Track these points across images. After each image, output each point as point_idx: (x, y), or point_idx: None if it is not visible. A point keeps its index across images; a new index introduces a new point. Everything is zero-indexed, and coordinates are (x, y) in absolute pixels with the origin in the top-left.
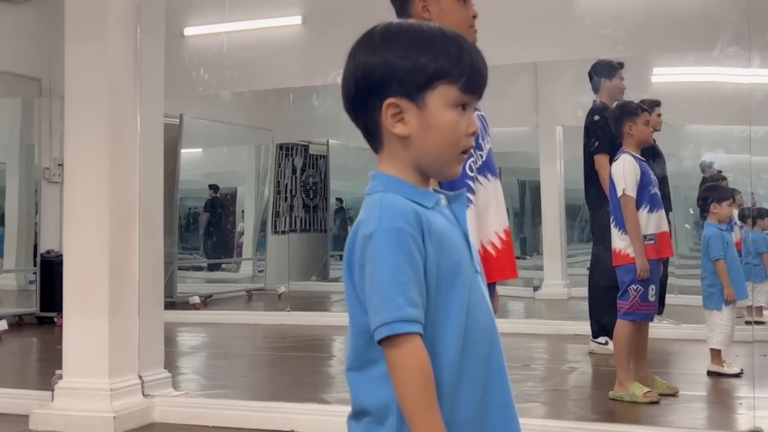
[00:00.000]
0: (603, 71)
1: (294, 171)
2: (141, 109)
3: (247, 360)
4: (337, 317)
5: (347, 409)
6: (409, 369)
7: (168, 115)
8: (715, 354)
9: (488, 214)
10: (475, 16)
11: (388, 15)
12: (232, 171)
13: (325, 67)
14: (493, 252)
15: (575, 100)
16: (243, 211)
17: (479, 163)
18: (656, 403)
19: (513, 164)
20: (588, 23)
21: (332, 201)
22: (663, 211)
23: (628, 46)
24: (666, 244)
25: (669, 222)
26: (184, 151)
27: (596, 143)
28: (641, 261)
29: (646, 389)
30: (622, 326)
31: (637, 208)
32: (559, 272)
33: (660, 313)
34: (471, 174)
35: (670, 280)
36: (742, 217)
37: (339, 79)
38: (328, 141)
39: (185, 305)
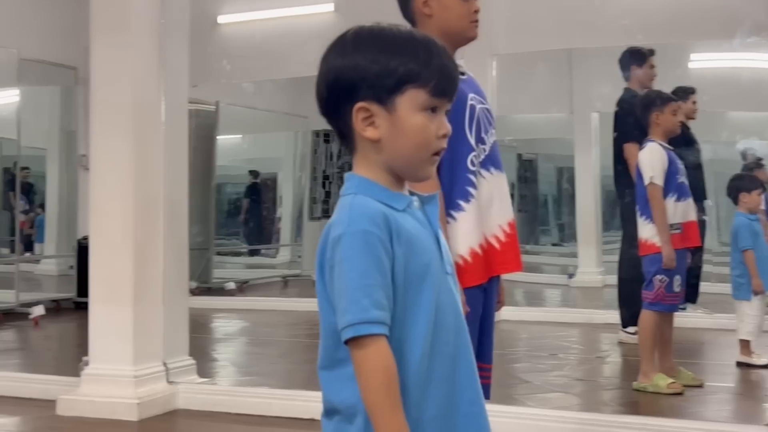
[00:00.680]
0: (633, 59)
1: (330, 157)
2: (165, 99)
3: (276, 347)
4: None
5: None
6: (373, 370)
7: (204, 102)
8: (744, 345)
9: (492, 208)
10: (476, 11)
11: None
12: (272, 157)
13: None
14: (497, 245)
15: (611, 86)
16: (281, 197)
17: (482, 157)
18: (680, 394)
19: (550, 151)
20: (623, 8)
21: None
22: (691, 200)
23: (664, 31)
24: (693, 233)
25: (704, 210)
26: (224, 138)
27: (625, 132)
28: (667, 250)
29: (670, 380)
30: (646, 317)
31: (664, 196)
32: (594, 259)
33: (693, 301)
34: (473, 168)
35: (707, 268)
36: None
37: None
38: None
39: (221, 291)
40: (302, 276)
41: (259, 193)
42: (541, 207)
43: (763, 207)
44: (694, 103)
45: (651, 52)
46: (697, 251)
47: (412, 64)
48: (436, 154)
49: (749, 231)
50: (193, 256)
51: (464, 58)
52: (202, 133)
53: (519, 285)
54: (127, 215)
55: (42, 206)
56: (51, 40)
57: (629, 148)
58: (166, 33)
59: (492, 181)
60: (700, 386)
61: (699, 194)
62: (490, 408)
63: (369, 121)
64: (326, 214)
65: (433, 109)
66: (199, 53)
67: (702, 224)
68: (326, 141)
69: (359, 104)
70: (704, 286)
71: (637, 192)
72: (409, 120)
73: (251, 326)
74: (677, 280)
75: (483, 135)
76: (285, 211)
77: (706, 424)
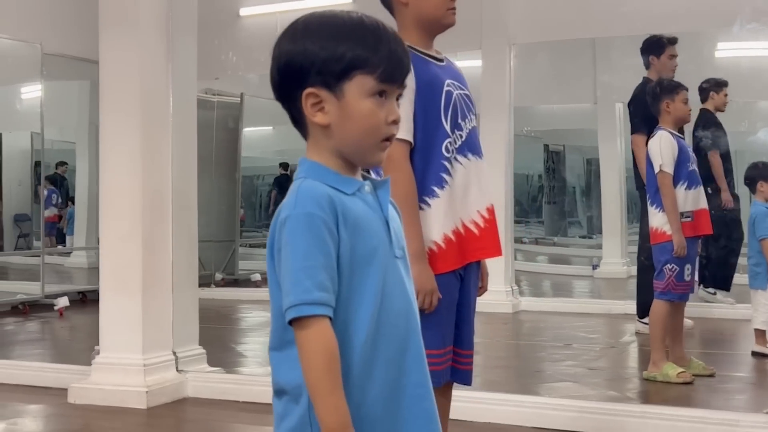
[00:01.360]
0: (651, 48)
1: None
2: (173, 91)
3: None
4: None
5: None
6: (314, 351)
7: (228, 94)
8: (759, 334)
9: (469, 194)
10: None
11: None
12: (302, 148)
13: None
14: (475, 231)
15: (635, 76)
16: None
17: (458, 143)
18: (690, 383)
19: (577, 142)
20: None
21: None
22: (701, 189)
23: (690, 20)
24: (704, 221)
25: (738, 198)
26: (253, 129)
27: (633, 123)
28: (678, 238)
29: (680, 369)
30: (657, 306)
31: (675, 185)
32: (619, 250)
33: (727, 289)
34: (447, 155)
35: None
36: None
37: None
38: None
39: (247, 282)
40: None
41: (288, 184)
42: (569, 199)
43: None
44: (726, 95)
45: (671, 41)
46: (733, 240)
47: (359, 50)
48: (387, 140)
49: (766, 220)
50: (219, 248)
51: (482, 48)
52: (227, 125)
53: (545, 276)
54: (136, 207)
55: (71, 199)
56: (74, 34)
57: (635, 139)
58: (174, 26)
59: (469, 167)
60: (711, 376)
61: (729, 183)
62: (489, 396)
63: (318, 107)
64: None
65: (382, 95)
66: (221, 45)
67: (735, 215)
68: None
69: (308, 90)
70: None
71: (647, 181)
72: (357, 106)
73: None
74: (688, 269)
75: (460, 121)
76: None
77: (707, 412)
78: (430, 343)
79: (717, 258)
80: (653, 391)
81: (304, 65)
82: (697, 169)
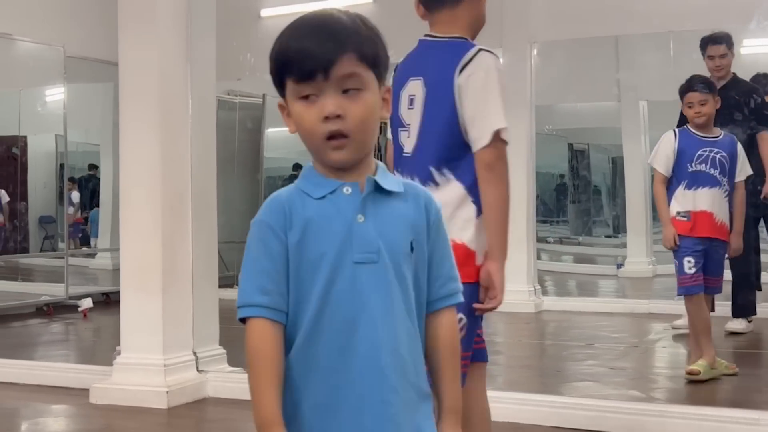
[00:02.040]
0: (700, 48)
1: (378, 149)
2: (192, 92)
3: None
4: None
5: None
6: (249, 349)
7: (250, 95)
8: None
9: None
10: None
11: None
12: None
13: (396, 45)
14: None
15: (658, 73)
16: None
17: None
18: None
19: (601, 140)
20: None
21: None
22: (708, 191)
23: (714, 17)
24: (703, 224)
25: None
26: (275, 130)
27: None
28: (666, 231)
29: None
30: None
31: (677, 184)
32: (644, 249)
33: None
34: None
35: None
36: None
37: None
38: None
39: None
40: None
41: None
42: (594, 198)
43: None
44: None
45: (711, 40)
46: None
47: (272, 58)
48: (332, 138)
49: None
50: (241, 249)
51: (503, 46)
52: (249, 125)
53: (570, 276)
54: (156, 207)
55: (96, 201)
56: (96, 37)
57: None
58: (193, 26)
59: None
60: (734, 374)
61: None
62: (509, 396)
63: (287, 116)
64: None
65: (308, 96)
66: (243, 46)
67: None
68: None
69: (279, 101)
70: None
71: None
72: (294, 111)
73: None
74: (688, 263)
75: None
76: None
77: (728, 410)
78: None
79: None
80: (675, 391)
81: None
82: (710, 171)
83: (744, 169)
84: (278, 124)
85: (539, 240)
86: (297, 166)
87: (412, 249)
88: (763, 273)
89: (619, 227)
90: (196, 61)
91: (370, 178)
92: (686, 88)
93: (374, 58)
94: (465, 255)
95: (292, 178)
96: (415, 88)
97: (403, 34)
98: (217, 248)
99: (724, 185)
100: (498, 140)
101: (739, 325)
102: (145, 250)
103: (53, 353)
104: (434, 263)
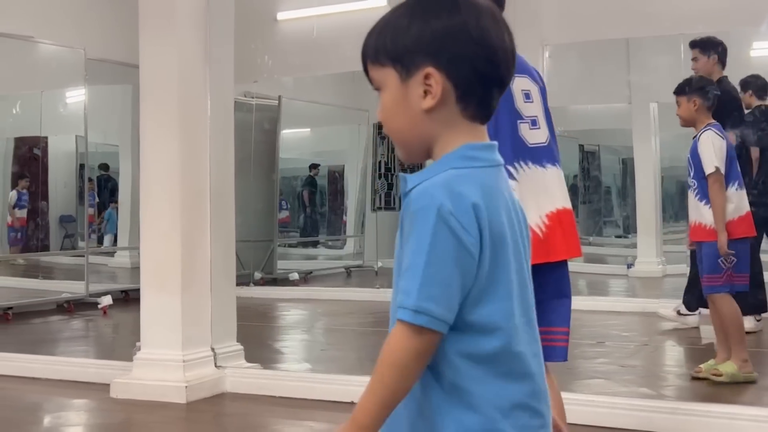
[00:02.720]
0: None
1: (393, 149)
2: (211, 94)
3: (329, 335)
4: None
5: None
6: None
7: (266, 97)
8: None
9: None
10: None
11: None
12: (338, 150)
13: None
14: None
15: (668, 75)
16: (347, 189)
17: None
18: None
19: (612, 142)
20: None
21: None
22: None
23: (724, 19)
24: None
25: None
26: (291, 132)
27: None
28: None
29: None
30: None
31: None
32: (654, 249)
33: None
34: None
35: None
36: None
37: None
38: None
39: (286, 281)
40: (364, 267)
41: (319, 186)
42: (604, 198)
43: None
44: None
45: (689, 44)
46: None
47: None
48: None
49: None
50: (257, 248)
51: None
52: (265, 127)
53: (580, 275)
54: (175, 206)
55: (114, 200)
56: (116, 40)
57: None
58: (212, 29)
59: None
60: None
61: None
62: None
63: None
64: (388, 205)
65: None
66: (259, 49)
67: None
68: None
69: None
70: None
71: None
72: None
73: (308, 315)
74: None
75: None
76: (350, 203)
77: (738, 408)
78: None
79: None
80: (685, 388)
81: None
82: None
83: (706, 163)
84: (293, 125)
85: None
86: (316, 166)
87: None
88: None
89: (629, 228)
90: (215, 64)
91: (402, 176)
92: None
93: (384, 53)
94: None
95: (312, 179)
96: (525, 83)
97: None
98: (234, 247)
99: (694, 187)
100: None
101: (748, 324)
102: (164, 248)
103: (74, 349)
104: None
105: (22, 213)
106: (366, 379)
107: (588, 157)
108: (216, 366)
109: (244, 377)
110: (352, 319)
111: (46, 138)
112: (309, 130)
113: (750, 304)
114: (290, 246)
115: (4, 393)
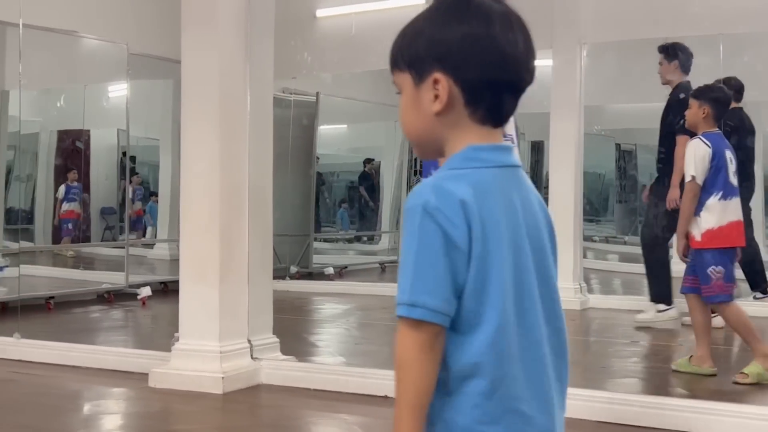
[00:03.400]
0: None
1: None
2: (251, 91)
3: (364, 329)
4: None
5: None
6: None
7: (305, 93)
8: None
9: None
10: None
11: None
12: (375, 146)
13: None
14: None
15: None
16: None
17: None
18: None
19: (648, 141)
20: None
21: None
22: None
23: (759, 19)
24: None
25: None
26: (328, 128)
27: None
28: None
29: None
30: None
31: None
32: None
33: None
34: None
35: None
36: None
37: None
38: None
39: (321, 276)
40: (397, 262)
41: (366, 180)
42: (641, 198)
43: None
44: None
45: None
46: None
47: None
48: None
49: None
50: (294, 242)
51: (553, 47)
52: (303, 122)
53: (616, 275)
54: (214, 200)
55: (155, 194)
56: (158, 35)
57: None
58: (252, 27)
59: None
60: None
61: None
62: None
63: None
64: None
65: None
66: (298, 46)
67: None
68: None
69: None
70: None
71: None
72: None
73: (343, 309)
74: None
75: None
76: (386, 199)
77: (762, 408)
78: None
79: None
80: (720, 389)
81: None
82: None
83: (685, 170)
84: (331, 121)
85: (585, 239)
86: (369, 161)
87: None
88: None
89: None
90: (255, 61)
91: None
92: None
93: (401, 59)
94: None
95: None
96: None
97: None
98: (272, 241)
99: None
100: None
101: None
102: (203, 241)
103: (114, 338)
104: None
105: (73, 205)
106: None
107: (625, 156)
108: (252, 358)
109: (279, 369)
110: (385, 313)
111: (89, 131)
112: (346, 126)
113: (755, 281)
114: (330, 240)
115: (45, 380)
